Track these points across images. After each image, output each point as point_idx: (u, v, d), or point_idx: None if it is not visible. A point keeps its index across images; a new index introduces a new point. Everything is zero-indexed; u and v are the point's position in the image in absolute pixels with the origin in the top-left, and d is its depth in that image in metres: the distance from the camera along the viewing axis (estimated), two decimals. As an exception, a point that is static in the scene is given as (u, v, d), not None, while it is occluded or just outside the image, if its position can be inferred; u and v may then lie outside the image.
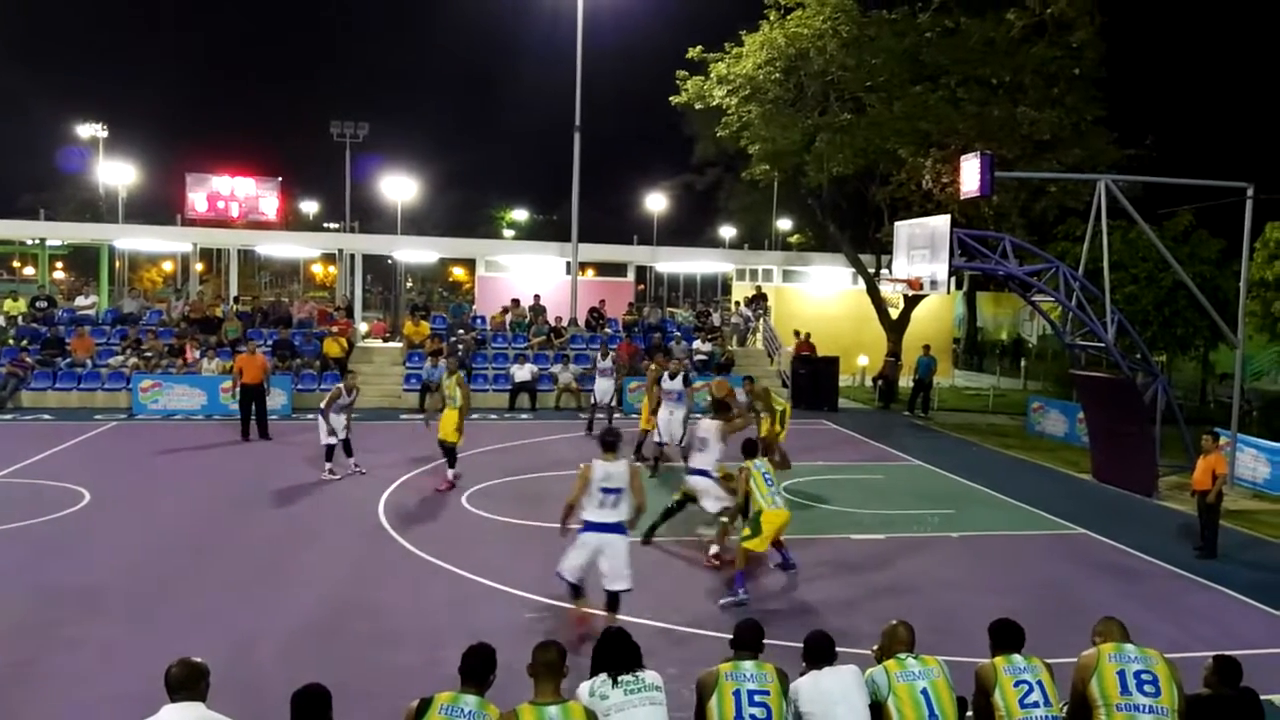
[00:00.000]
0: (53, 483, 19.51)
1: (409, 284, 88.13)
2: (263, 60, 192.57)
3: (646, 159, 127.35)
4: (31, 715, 9.60)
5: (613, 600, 11.72)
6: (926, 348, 34.79)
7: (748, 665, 7.28)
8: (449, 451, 20.04)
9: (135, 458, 23.04)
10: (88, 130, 75.73)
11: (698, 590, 13.98)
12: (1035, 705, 7.20)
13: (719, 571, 14.88)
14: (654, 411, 21.93)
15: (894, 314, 38.90)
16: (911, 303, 38.00)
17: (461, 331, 35.16)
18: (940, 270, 21.46)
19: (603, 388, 27.78)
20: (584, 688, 7.01)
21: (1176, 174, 23.94)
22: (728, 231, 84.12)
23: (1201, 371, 38.07)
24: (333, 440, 20.69)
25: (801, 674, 7.46)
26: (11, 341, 32.10)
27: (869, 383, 39.60)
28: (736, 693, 7.08)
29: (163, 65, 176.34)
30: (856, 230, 45.56)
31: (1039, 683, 7.31)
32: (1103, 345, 21.86)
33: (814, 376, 34.15)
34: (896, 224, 24.58)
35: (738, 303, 43.82)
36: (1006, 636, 7.71)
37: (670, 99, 38.47)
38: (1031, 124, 32.14)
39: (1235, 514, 19.46)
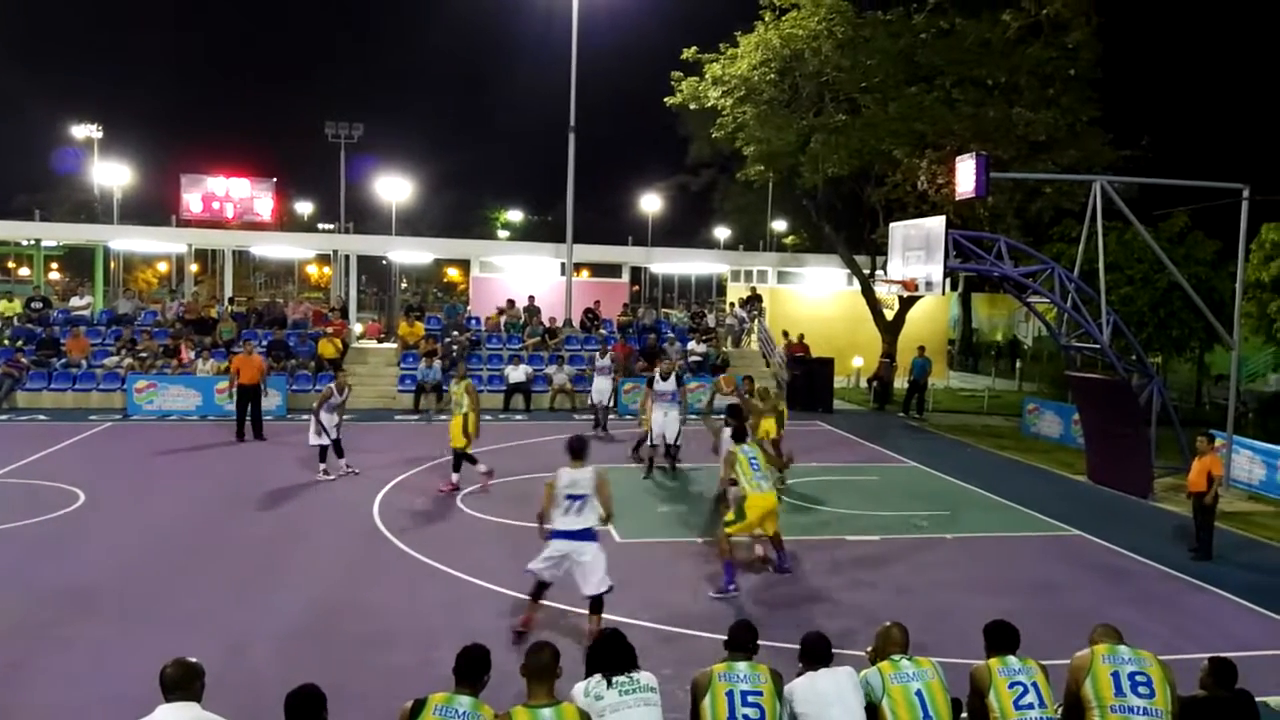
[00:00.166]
0: (47, 483, 19.49)
1: (404, 285, 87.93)
2: (257, 61, 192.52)
3: (641, 160, 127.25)
4: (26, 715, 9.59)
5: (594, 604, 11.62)
6: (921, 349, 34.78)
7: (741, 666, 7.30)
8: (464, 456, 20.03)
9: (130, 458, 23.02)
10: (83, 131, 75.78)
11: (693, 591, 13.97)
12: (1030, 707, 7.20)
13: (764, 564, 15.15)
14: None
15: (889, 315, 38.88)
16: (906, 304, 37.98)
17: (456, 332, 35.14)
18: (935, 271, 21.47)
19: (601, 386, 27.83)
20: (579, 688, 7.02)
21: (1172, 175, 23.97)
22: (722, 232, 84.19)
23: (1197, 373, 38.09)
24: (323, 441, 20.67)
25: (798, 675, 7.46)
26: (6, 342, 32.02)
27: (864, 384, 39.58)
28: (730, 693, 7.10)
29: (158, 66, 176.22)
30: (851, 231, 45.56)
31: (1034, 684, 7.32)
32: (1098, 347, 21.86)
33: (809, 378, 34.15)
34: (891, 225, 24.57)
35: (732, 304, 43.80)
36: (1001, 638, 7.72)
37: (665, 100, 38.45)
38: (1027, 125, 32.14)
39: (1230, 515, 19.46)
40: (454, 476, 19.99)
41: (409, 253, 54.41)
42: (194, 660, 6.57)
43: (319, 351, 32.27)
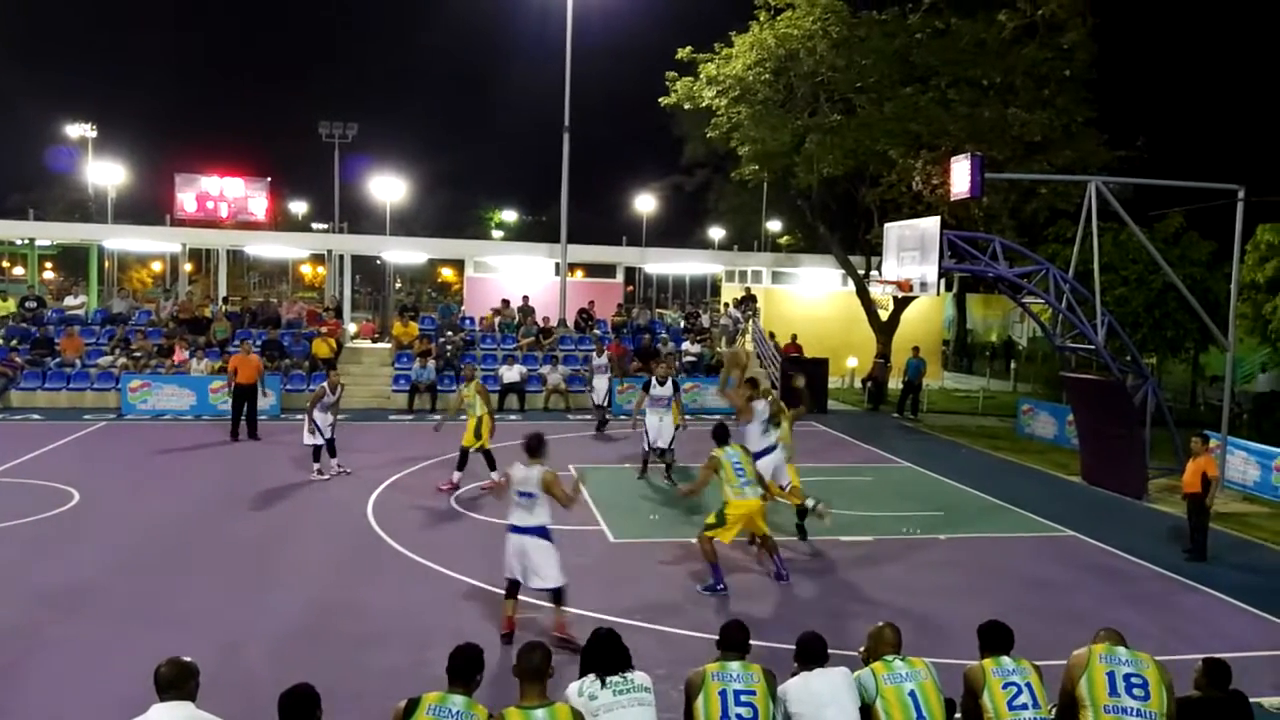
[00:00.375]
0: (42, 482, 19.47)
1: (398, 285, 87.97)
2: (252, 60, 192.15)
3: (636, 160, 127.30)
4: (21, 715, 9.58)
5: (555, 597, 11.76)
6: (916, 349, 34.80)
7: (734, 666, 7.31)
8: (462, 454, 20.11)
9: (124, 458, 22.99)
10: (77, 130, 75.65)
11: (687, 592, 13.97)
12: (1024, 707, 7.21)
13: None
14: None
15: (883, 315, 38.88)
16: (901, 304, 38.00)
17: (450, 333, 35.12)
18: (930, 272, 21.47)
19: (601, 386, 27.88)
20: (573, 688, 7.02)
21: (1167, 176, 24.02)
22: (717, 233, 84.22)
23: (1192, 374, 38.14)
24: (317, 440, 20.67)
25: (792, 675, 7.46)
26: (1, 341, 31.99)
27: (858, 384, 39.59)
28: (723, 693, 7.11)
29: (152, 65, 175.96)
30: (846, 232, 45.57)
31: (1028, 684, 7.32)
32: (1093, 347, 21.88)
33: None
34: (886, 225, 24.57)
35: (727, 304, 43.76)
36: (995, 638, 7.72)
37: (660, 100, 38.46)
38: (1022, 125, 32.15)
39: (1225, 516, 19.47)
40: (455, 475, 20.00)
41: (403, 253, 54.37)
42: (188, 659, 6.57)
43: (313, 351, 32.23)
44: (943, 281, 22.53)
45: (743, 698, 7.08)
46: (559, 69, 38.25)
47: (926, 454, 25.78)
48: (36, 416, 28.13)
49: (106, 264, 61.59)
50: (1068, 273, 21.96)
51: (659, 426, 21.16)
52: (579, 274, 48.83)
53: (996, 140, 32.16)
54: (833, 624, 11.88)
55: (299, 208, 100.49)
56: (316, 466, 20.78)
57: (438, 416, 29.19)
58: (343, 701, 8.16)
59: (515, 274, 43.25)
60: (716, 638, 7.75)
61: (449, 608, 12.92)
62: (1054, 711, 7.55)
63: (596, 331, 36.30)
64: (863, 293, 39.27)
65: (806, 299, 45.94)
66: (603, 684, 6.96)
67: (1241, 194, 21.70)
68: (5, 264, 79.04)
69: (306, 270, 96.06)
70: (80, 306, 37.03)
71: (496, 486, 17.86)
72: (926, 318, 44.44)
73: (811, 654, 7.57)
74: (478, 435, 19.85)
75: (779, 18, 34.82)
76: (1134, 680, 7.26)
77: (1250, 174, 23.79)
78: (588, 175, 56.24)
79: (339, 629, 12.03)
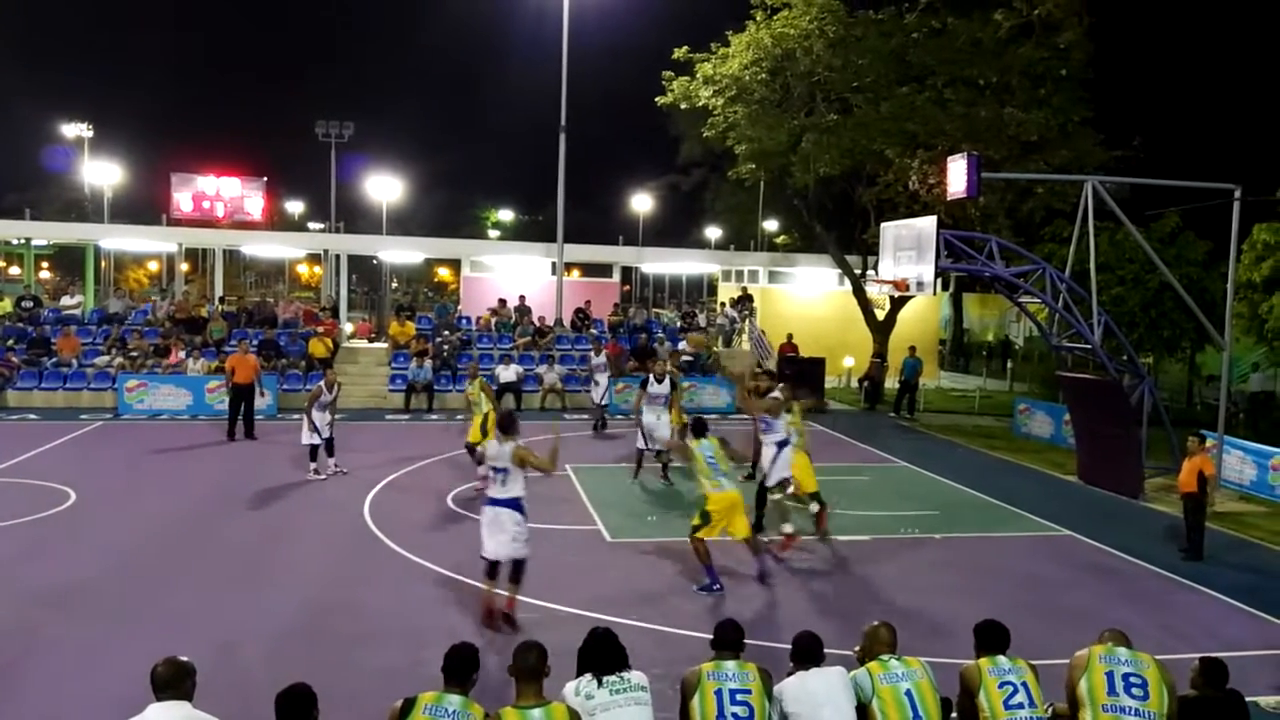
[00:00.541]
0: (39, 482, 19.47)
1: (394, 284, 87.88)
2: (248, 60, 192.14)
3: (632, 159, 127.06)
4: (17, 715, 9.57)
5: (513, 572, 12.28)
6: (912, 349, 34.83)
7: (729, 665, 7.28)
8: (471, 452, 20.17)
9: (121, 457, 22.98)
10: (73, 130, 75.48)
11: (684, 591, 13.97)
12: (1020, 706, 7.20)
13: (785, 550, 15.45)
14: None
15: (880, 315, 38.92)
16: (897, 304, 38.03)
17: (447, 332, 35.12)
18: (926, 271, 21.47)
19: (601, 384, 27.93)
20: (569, 687, 7.01)
21: (1164, 176, 24.00)
22: (713, 232, 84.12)
23: (1188, 373, 38.15)
24: (315, 440, 20.69)
25: (789, 674, 7.45)
26: (-4, 341, 32.01)
27: (855, 384, 39.59)
28: (718, 692, 7.08)
29: (148, 65, 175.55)
30: (843, 231, 45.60)
31: (1024, 684, 7.31)
32: (1089, 347, 21.89)
33: (799, 377, 34.10)
34: (883, 225, 24.57)
35: (723, 304, 43.80)
36: (991, 638, 7.71)
37: (656, 99, 38.46)
38: (1019, 125, 32.16)
39: (1221, 516, 19.51)
40: (480, 470, 20.08)
41: (400, 252, 54.35)
42: (185, 659, 6.55)
43: (310, 351, 32.24)
44: (939, 281, 22.54)
45: (738, 697, 7.07)
46: (555, 68, 38.33)
47: (923, 453, 25.78)
48: (33, 416, 28.12)
49: (103, 264, 61.44)
50: (1064, 272, 21.98)
51: (656, 425, 21.12)
52: (575, 273, 48.80)
53: (993, 140, 32.17)
54: (829, 623, 11.89)
55: (295, 207, 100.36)
56: (313, 466, 20.79)
57: (434, 416, 29.27)
58: (339, 701, 8.16)
59: (512, 273, 43.29)
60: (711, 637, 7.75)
61: (445, 607, 12.91)
62: (1051, 711, 7.56)
63: (593, 331, 36.32)
64: (859, 292, 39.30)
65: (803, 298, 45.99)
66: (599, 683, 6.95)
67: (1238, 193, 21.68)
68: (1, 264, 78.97)
69: (303, 270, 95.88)
70: (77, 306, 37.08)
71: None
72: (923, 317, 44.50)
73: (807, 653, 7.55)
74: (484, 432, 19.87)
75: (775, 17, 34.84)
76: (1133, 680, 7.26)
77: (1246, 174, 23.81)
78: (584, 175, 56.19)
79: (335, 628, 12.03)
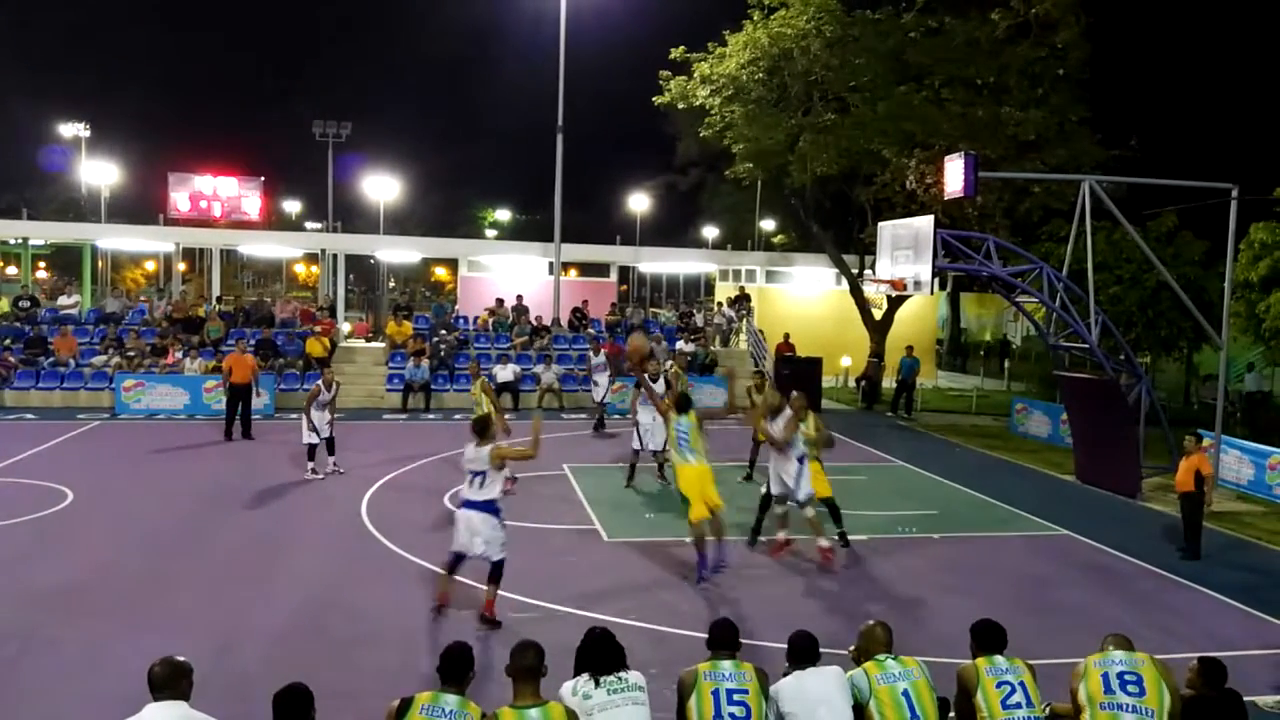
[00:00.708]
0: (36, 482, 19.47)
1: (392, 284, 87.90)
2: (245, 60, 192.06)
3: (629, 159, 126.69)
4: (15, 715, 9.56)
5: (491, 572, 12.39)
6: (910, 348, 34.84)
7: (726, 665, 7.30)
8: None
9: (118, 457, 23.00)
10: (70, 129, 75.39)
11: (681, 591, 13.97)
12: (1017, 706, 7.20)
13: (827, 565, 15.23)
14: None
15: (877, 315, 38.88)
16: (895, 303, 38.01)
17: (444, 332, 35.14)
18: (924, 271, 21.47)
19: (601, 383, 27.93)
20: (567, 687, 7.02)
21: (1161, 175, 23.98)
22: (711, 232, 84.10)
23: (1185, 373, 38.16)
24: (314, 439, 20.68)
25: (785, 674, 7.45)
26: (-7, 341, 32.01)
27: (852, 383, 39.61)
28: (715, 692, 7.09)
29: (145, 65, 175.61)
30: (840, 231, 45.60)
31: (1021, 684, 7.31)
32: (1086, 346, 21.90)
33: (796, 377, 34.10)
34: (880, 224, 24.58)
35: (720, 303, 43.79)
36: (988, 637, 7.71)
37: (653, 99, 38.42)
38: (1016, 124, 32.11)
39: (1219, 515, 19.50)
40: (505, 472, 20.06)
41: (397, 252, 54.41)
42: (182, 659, 6.55)
43: (307, 350, 32.25)
44: (936, 280, 22.53)
45: (735, 697, 7.07)
46: (553, 68, 38.38)
47: (920, 453, 25.79)
48: (30, 416, 28.12)
49: (100, 263, 61.47)
50: (1061, 272, 22.00)
51: (652, 426, 21.08)
52: (573, 273, 48.82)
53: (990, 139, 32.13)
54: (825, 623, 11.92)
55: (293, 207, 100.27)
56: (310, 465, 20.79)
57: (432, 416, 29.27)
58: (336, 701, 8.15)
59: (509, 273, 43.29)
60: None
61: (445, 608, 12.88)
62: (1048, 711, 7.56)
63: (591, 330, 36.34)
64: (856, 292, 39.25)
65: (800, 298, 46.00)
66: (597, 683, 6.95)
67: (1235, 193, 21.69)
68: (-1, 263, 78.99)
69: (300, 269, 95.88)
70: (74, 306, 37.07)
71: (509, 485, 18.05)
72: (920, 317, 44.49)
73: (804, 653, 7.56)
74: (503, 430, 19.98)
75: (772, 17, 34.79)
76: (1128, 677, 7.27)
77: (1244, 173, 23.82)
78: (581, 174, 56.12)
79: (333, 628, 12.03)
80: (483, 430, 12.82)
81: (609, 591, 13.71)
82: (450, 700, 6.54)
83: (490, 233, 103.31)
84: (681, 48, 36.60)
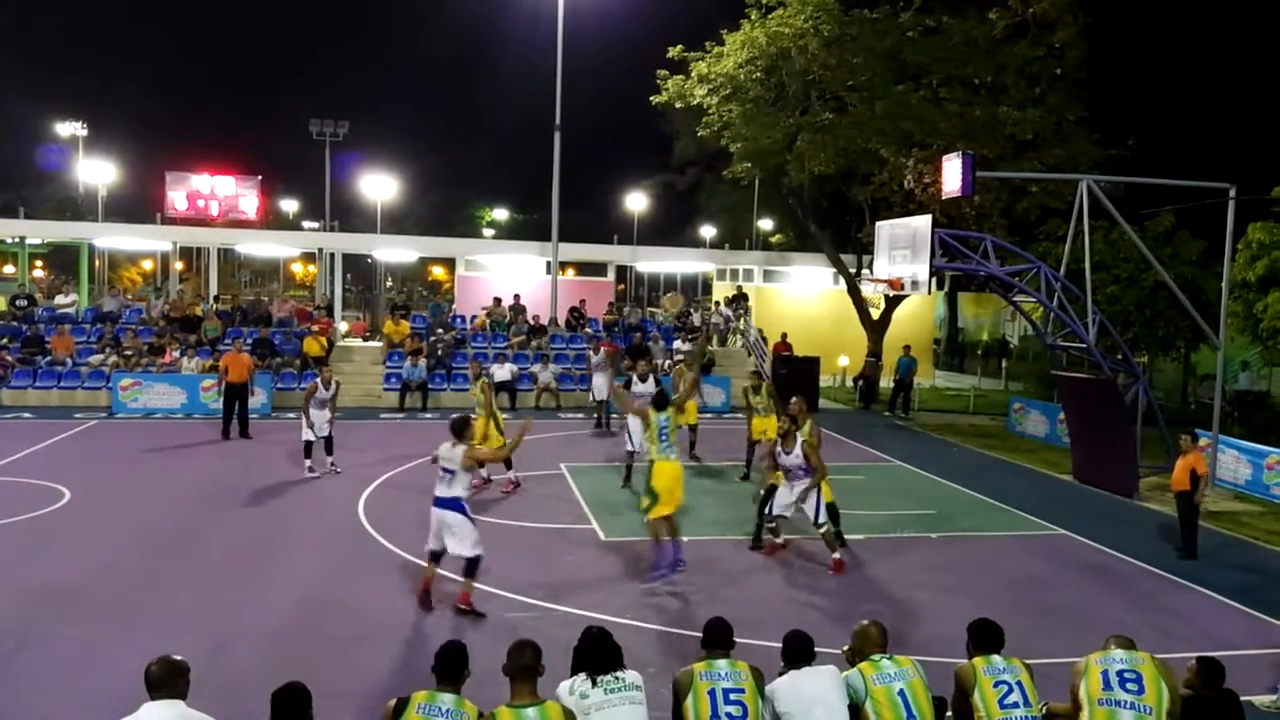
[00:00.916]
0: (33, 481, 19.47)
1: (389, 283, 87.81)
2: (243, 59, 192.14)
3: (627, 158, 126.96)
4: (11, 714, 9.56)
5: (465, 568, 12.66)
6: (907, 348, 34.82)
7: (721, 664, 7.30)
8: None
9: (115, 456, 22.99)
10: (67, 128, 75.44)
11: (679, 590, 13.95)
12: (1015, 706, 7.20)
13: (837, 573, 15.04)
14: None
15: (875, 314, 38.89)
16: (892, 303, 38.00)
17: (441, 331, 35.14)
18: (921, 270, 21.47)
19: (599, 383, 27.91)
20: (564, 686, 7.02)
21: (1158, 175, 23.98)
22: (708, 231, 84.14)
23: (1183, 372, 38.15)
24: (310, 436, 20.68)
25: (780, 674, 7.44)
26: (-10, 340, 31.99)
27: (849, 383, 39.63)
28: (711, 692, 7.09)
29: (143, 64, 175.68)
30: (837, 230, 45.62)
31: (1018, 683, 7.32)
32: (1084, 346, 21.89)
33: (794, 377, 34.09)
34: (878, 224, 24.59)
35: (718, 302, 43.76)
36: (986, 637, 7.71)
37: (651, 98, 38.42)
38: (1014, 124, 32.10)
39: (1216, 515, 19.54)
40: (510, 474, 20.11)
41: (394, 251, 54.35)
42: (179, 658, 6.56)
43: (304, 350, 32.23)
44: (934, 280, 22.51)
45: (732, 696, 7.08)
46: (550, 67, 38.36)
47: (918, 452, 25.79)
48: (27, 415, 28.10)
49: (97, 262, 61.52)
50: (1059, 271, 22.00)
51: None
52: (570, 272, 48.79)
53: (988, 139, 32.13)
54: (822, 622, 11.93)
55: (290, 206, 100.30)
56: (307, 463, 20.78)
57: (429, 415, 29.24)
58: (333, 700, 8.15)
59: (506, 272, 43.31)
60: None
61: (441, 606, 12.87)
62: (1045, 710, 7.56)
63: (588, 330, 36.36)
64: (854, 291, 39.24)
65: (798, 297, 46.02)
66: (594, 683, 6.96)
67: (1232, 193, 21.69)
68: (-5, 262, 78.95)
69: (298, 269, 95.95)
70: (71, 305, 37.03)
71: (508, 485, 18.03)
72: (918, 316, 44.49)
73: (799, 653, 7.55)
74: (500, 432, 20.01)
75: (770, 16, 34.76)
76: (1127, 675, 7.28)
77: (1241, 173, 23.82)
78: (579, 174, 56.28)
79: (330, 627, 12.02)
80: (460, 430, 12.96)
81: (606, 591, 13.71)
82: (447, 699, 6.55)
83: (488, 232, 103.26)
84: (679, 47, 36.58)
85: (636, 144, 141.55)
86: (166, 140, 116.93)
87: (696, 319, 40.49)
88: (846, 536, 16.41)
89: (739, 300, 40.92)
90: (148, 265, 79.80)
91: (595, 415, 28.71)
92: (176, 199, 45.16)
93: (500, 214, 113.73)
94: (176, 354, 30.86)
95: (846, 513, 16.83)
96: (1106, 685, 7.26)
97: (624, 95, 54.85)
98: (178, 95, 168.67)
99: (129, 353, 31.20)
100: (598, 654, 7.13)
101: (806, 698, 7.17)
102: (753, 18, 35.24)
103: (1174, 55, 60.24)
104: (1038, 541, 17.56)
